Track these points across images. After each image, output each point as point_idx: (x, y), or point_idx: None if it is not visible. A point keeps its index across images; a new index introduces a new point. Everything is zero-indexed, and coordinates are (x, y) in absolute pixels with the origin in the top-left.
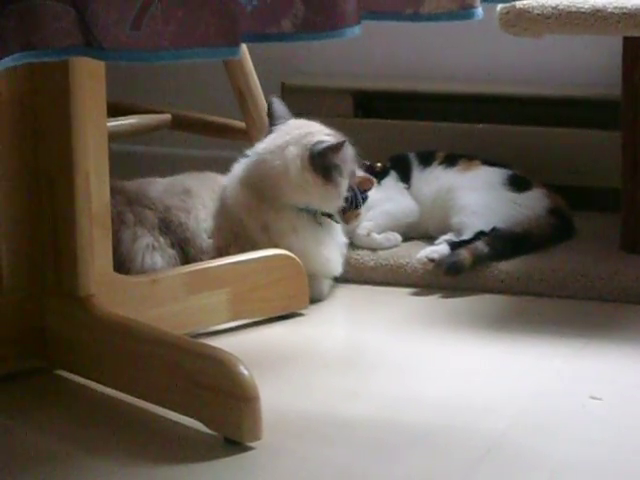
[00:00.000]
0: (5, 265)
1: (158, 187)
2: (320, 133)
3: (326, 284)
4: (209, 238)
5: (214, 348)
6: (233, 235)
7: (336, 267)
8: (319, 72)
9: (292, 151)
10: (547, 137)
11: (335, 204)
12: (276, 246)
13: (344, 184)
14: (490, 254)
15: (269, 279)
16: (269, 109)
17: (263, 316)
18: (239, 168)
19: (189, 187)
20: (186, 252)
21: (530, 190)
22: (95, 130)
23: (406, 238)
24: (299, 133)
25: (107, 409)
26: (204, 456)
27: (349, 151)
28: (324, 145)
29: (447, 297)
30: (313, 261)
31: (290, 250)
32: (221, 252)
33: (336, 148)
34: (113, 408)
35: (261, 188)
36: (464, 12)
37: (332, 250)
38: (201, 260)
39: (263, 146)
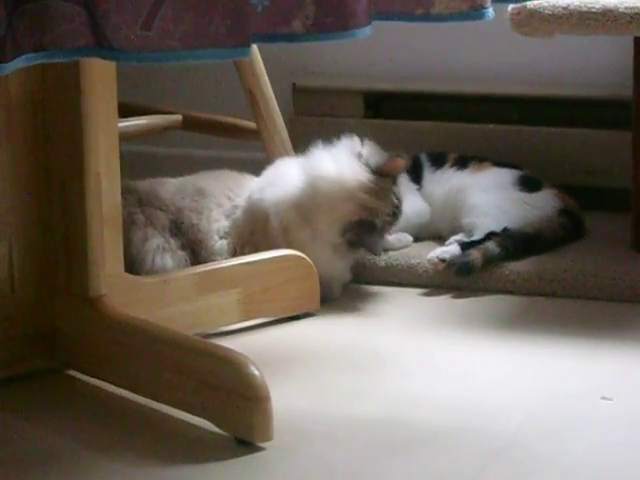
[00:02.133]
0: (17, 266)
1: (170, 188)
2: (380, 213)
3: (336, 285)
4: (221, 238)
5: (225, 348)
6: (250, 233)
7: (346, 275)
8: (330, 72)
9: (343, 207)
10: (558, 137)
11: (347, 258)
12: (293, 248)
13: (363, 253)
14: (501, 254)
15: (280, 280)
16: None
17: (274, 316)
18: (296, 174)
19: (202, 187)
20: (197, 254)
21: (541, 190)
22: (106, 131)
23: (417, 239)
24: (365, 199)
25: (118, 409)
26: (215, 456)
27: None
28: (362, 234)
29: (458, 297)
30: (325, 269)
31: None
32: (235, 251)
33: (370, 250)
34: (124, 408)
35: (303, 201)
36: (475, 12)
37: (344, 261)
38: (212, 261)
39: (335, 166)
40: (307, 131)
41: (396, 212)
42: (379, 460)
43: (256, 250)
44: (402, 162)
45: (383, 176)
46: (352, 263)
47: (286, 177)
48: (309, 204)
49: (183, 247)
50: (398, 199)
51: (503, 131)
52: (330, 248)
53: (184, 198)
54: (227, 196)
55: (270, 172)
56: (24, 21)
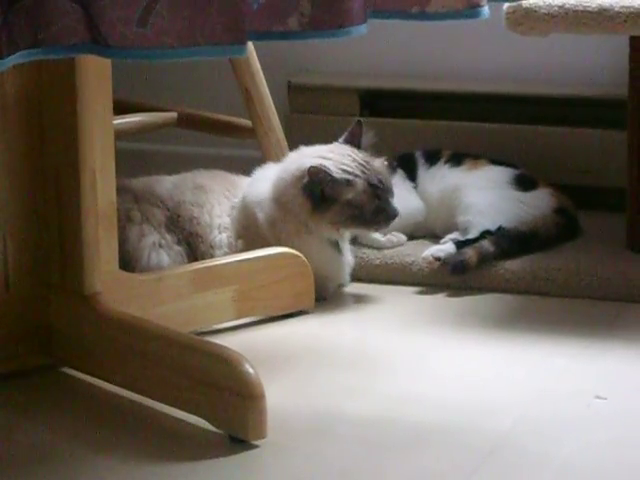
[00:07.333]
0: (11, 263)
1: (166, 184)
2: (335, 162)
3: (331, 284)
4: (220, 233)
5: (220, 346)
6: (243, 228)
7: (342, 276)
8: (325, 70)
9: (300, 166)
10: (553, 136)
11: (322, 231)
12: (282, 243)
13: (331, 218)
14: (496, 253)
15: (275, 277)
16: (353, 129)
17: (269, 314)
18: (275, 171)
19: (201, 183)
20: (195, 247)
21: (536, 189)
22: (101, 128)
23: (412, 237)
24: (323, 155)
25: (112, 407)
26: (209, 454)
27: (352, 190)
28: (320, 175)
29: (452, 296)
30: (314, 263)
31: (293, 249)
32: (231, 246)
33: (332, 182)
34: (118, 406)
35: (280, 193)
36: (470, 11)
37: (335, 259)
38: (212, 255)
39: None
40: (302, 129)
41: (381, 179)
42: (373, 458)
43: (250, 245)
44: (358, 126)
45: (351, 144)
46: (350, 268)
47: (267, 175)
48: (285, 193)
49: (179, 242)
50: (367, 163)
51: (498, 130)
52: (318, 236)
53: (184, 192)
54: (225, 196)
55: (257, 173)
56: (20, 17)
